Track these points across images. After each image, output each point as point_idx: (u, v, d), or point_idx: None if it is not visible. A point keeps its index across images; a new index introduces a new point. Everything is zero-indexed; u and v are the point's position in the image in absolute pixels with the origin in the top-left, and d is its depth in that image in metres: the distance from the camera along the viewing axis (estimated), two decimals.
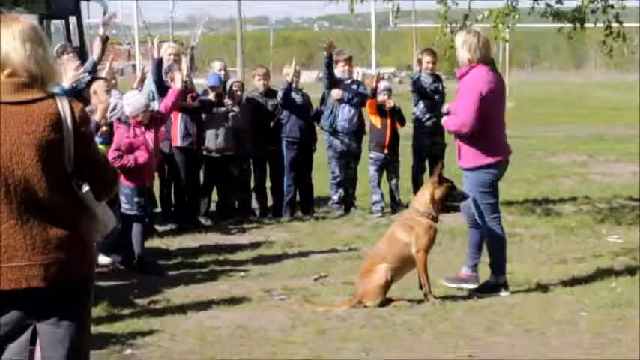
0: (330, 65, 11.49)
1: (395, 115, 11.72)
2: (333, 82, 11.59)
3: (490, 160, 7.38)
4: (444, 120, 7.69)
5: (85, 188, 3.67)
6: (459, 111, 7.35)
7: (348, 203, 11.96)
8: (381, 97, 11.62)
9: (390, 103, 11.65)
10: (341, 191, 11.87)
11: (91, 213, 3.73)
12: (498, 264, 7.54)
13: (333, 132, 11.70)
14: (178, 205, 11.12)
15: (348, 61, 11.84)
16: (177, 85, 9.71)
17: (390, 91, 11.84)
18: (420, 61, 12.13)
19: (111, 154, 8.50)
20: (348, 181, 11.90)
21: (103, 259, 8.68)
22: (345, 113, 11.61)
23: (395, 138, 11.81)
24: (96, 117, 8.36)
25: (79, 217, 3.68)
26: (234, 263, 9.12)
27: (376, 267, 7.13)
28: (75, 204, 3.66)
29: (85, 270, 3.70)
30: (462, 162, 7.45)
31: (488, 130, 7.31)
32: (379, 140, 11.74)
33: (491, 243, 7.53)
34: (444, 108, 7.87)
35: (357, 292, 7.20)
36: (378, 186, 11.87)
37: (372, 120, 11.78)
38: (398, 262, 7.16)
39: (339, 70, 11.73)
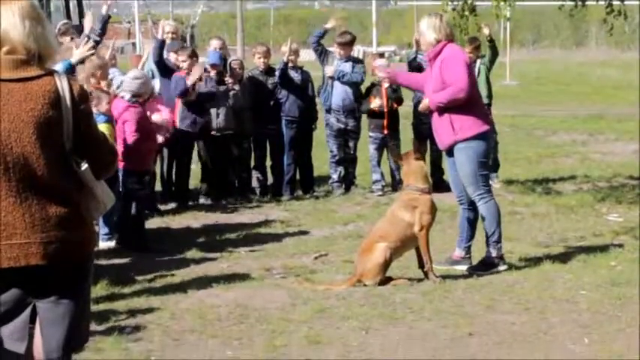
0: (318, 40, 11.56)
1: (391, 95, 11.60)
2: (321, 53, 11.61)
3: (486, 128, 7.58)
4: (425, 101, 7.69)
5: (84, 166, 3.67)
6: (451, 80, 7.41)
7: (348, 182, 11.94)
8: (378, 76, 11.59)
9: (385, 83, 11.57)
10: (340, 170, 11.84)
11: (90, 191, 3.72)
12: (495, 236, 7.56)
13: (329, 110, 11.68)
14: (179, 184, 11.11)
15: (343, 45, 11.68)
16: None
17: None
18: (417, 42, 12.02)
19: (133, 137, 8.47)
20: (347, 160, 11.88)
21: (111, 243, 8.69)
22: (339, 91, 11.57)
23: (393, 118, 11.72)
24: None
25: (79, 195, 3.67)
26: (234, 242, 9.12)
27: (376, 246, 7.13)
28: (74, 182, 3.65)
29: (85, 248, 3.71)
30: (459, 134, 7.44)
31: (477, 100, 7.70)
32: (377, 122, 11.69)
33: (488, 216, 7.55)
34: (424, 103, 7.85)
35: (356, 271, 7.20)
36: (378, 165, 11.83)
37: (371, 103, 11.69)
38: (398, 241, 7.16)
39: (336, 52, 11.68)
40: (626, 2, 11.00)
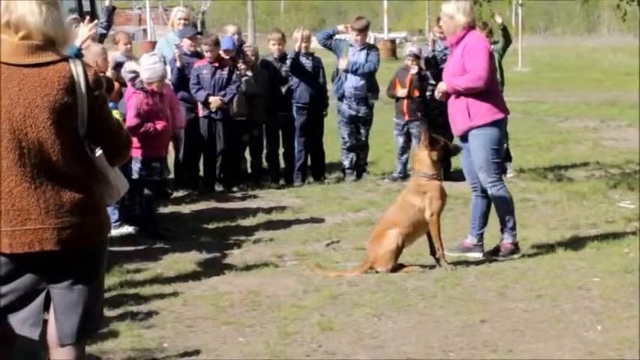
0: (326, 38, 11.68)
1: (416, 83, 11.50)
2: (331, 47, 11.66)
3: (501, 115, 7.58)
4: (442, 86, 7.66)
5: (98, 152, 3.68)
6: (472, 68, 7.39)
7: (359, 169, 11.94)
8: (406, 62, 11.60)
9: (413, 70, 11.51)
10: (352, 156, 11.84)
11: (104, 177, 3.73)
12: (510, 223, 7.56)
13: (341, 97, 11.67)
14: (191, 171, 11.12)
15: (360, 31, 11.63)
16: None
17: (418, 57, 11.60)
18: (433, 42, 11.93)
19: (131, 121, 8.45)
20: (359, 147, 11.87)
21: (123, 229, 8.69)
22: (352, 80, 11.54)
23: (416, 102, 11.61)
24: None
25: (93, 182, 3.68)
26: (245, 229, 9.12)
27: (387, 232, 7.12)
28: (88, 168, 3.66)
29: (99, 234, 3.71)
30: (474, 120, 7.41)
31: (495, 87, 7.68)
32: (399, 106, 11.69)
33: (501, 204, 7.53)
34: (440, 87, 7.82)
35: (368, 258, 7.20)
36: (402, 153, 11.74)
37: (397, 91, 11.66)
38: (410, 227, 7.16)
39: (352, 39, 11.65)
40: None
